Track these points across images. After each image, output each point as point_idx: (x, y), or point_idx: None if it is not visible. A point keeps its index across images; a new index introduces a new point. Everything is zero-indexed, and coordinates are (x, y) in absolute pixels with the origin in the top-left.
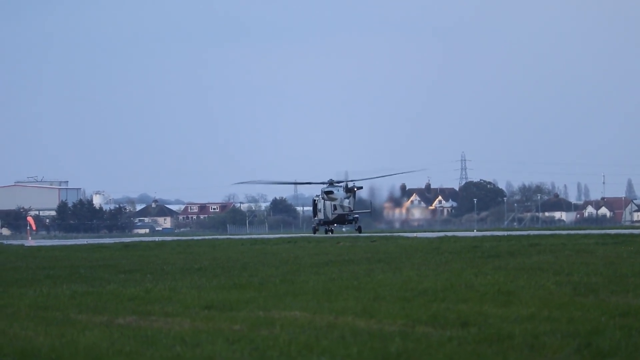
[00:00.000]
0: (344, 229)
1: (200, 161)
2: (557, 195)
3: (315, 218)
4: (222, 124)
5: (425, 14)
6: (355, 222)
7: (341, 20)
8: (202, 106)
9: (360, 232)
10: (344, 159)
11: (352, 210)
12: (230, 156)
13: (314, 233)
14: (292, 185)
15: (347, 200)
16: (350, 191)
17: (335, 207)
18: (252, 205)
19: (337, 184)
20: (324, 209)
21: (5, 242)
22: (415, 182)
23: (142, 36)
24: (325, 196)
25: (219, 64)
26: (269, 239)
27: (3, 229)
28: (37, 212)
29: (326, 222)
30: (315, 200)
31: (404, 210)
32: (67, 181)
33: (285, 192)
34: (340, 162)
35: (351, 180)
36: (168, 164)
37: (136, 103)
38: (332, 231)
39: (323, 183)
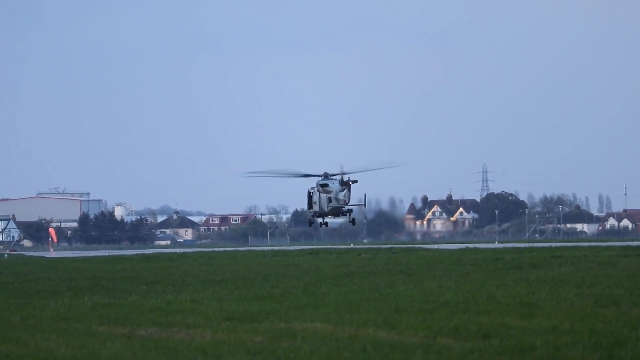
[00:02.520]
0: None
1: (222, 173)
2: (578, 207)
3: (311, 210)
4: (243, 136)
5: (450, 27)
6: (350, 215)
7: (354, 29)
8: (222, 119)
9: (354, 224)
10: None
11: (347, 203)
12: (248, 164)
13: (310, 225)
14: None
15: (342, 193)
16: (345, 184)
17: (330, 200)
18: (274, 216)
19: (332, 177)
20: (319, 202)
21: (27, 253)
22: (437, 193)
23: (169, 50)
24: (320, 189)
25: (239, 75)
26: (290, 251)
27: (25, 240)
28: (58, 224)
29: (321, 214)
30: (310, 192)
31: (425, 222)
32: (89, 193)
33: (306, 204)
34: (369, 173)
35: (346, 174)
36: (189, 175)
37: (158, 116)
38: (326, 224)
39: (319, 176)
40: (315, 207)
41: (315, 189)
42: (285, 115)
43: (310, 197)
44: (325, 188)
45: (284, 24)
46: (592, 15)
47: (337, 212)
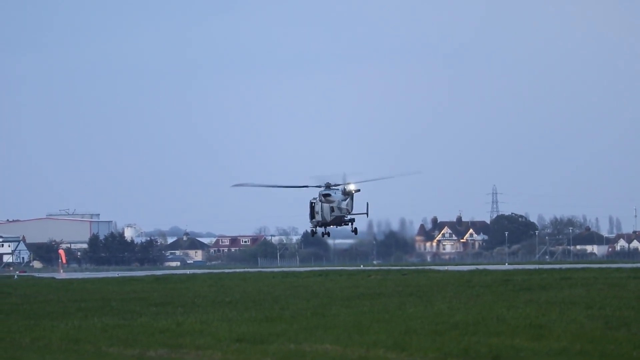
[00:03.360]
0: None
1: (232, 194)
2: (588, 229)
3: (313, 220)
4: (253, 158)
5: (460, 48)
6: (352, 224)
7: (364, 50)
8: (232, 141)
9: (356, 233)
10: (378, 192)
11: (349, 212)
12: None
13: (312, 235)
14: None
15: (344, 202)
16: (348, 193)
17: (332, 209)
18: (283, 238)
19: (334, 187)
20: (322, 211)
21: (37, 274)
22: (447, 214)
23: (175, 71)
24: (322, 198)
25: (250, 97)
26: (300, 272)
27: (35, 261)
28: (68, 245)
29: (323, 224)
30: (312, 202)
31: (435, 243)
32: (99, 214)
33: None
34: (379, 195)
35: (349, 184)
36: (199, 197)
37: (168, 138)
38: (328, 234)
39: (320, 186)
40: (318, 217)
41: (318, 199)
42: (295, 137)
43: (312, 207)
44: (328, 198)
45: (291, 42)
46: (602, 36)
47: (339, 221)
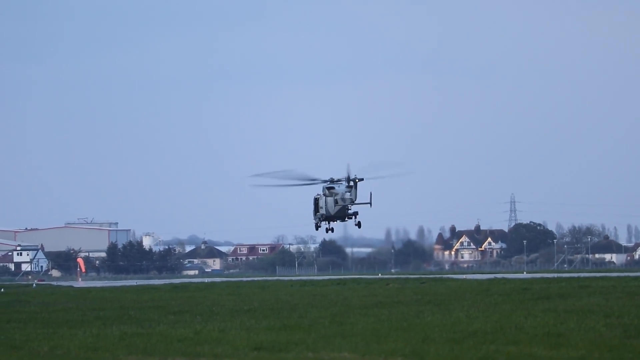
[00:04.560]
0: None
1: (250, 203)
2: (607, 237)
3: (317, 214)
4: (271, 167)
5: (483, 57)
6: (355, 217)
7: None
8: (249, 149)
9: (359, 227)
10: (397, 200)
11: (353, 202)
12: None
13: (317, 229)
14: (343, 227)
15: (348, 194)
16: (352, 181)
17: (336, 202)
18: (301, 246)
19: (337, 182)
20: (326, 205)
21: (55, 283)
22: (465, 223)
23: (195, 80)
24: (327, 192)
25: (265, 106)
26: (318, 281)
27: (53, 270)
28: (87, 254)
29: (327, 218)
30: (316, 198)
31: (453, 252)
32: (117, 222)
33: (334, 234)
34: (398, 203)
35: (354, 180)
36: (217, 205)
37: (186, 147)
38: (332, 229)
39: (325, 181)
40: (322, 211)
41: (322, 193)
42: (311, 147)
43: (316, 203)
44: (332, 190)
45: (302, 57)
46: (618, 43)
47: (343, 214)
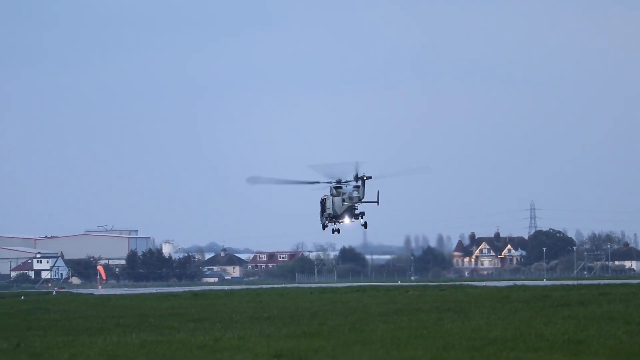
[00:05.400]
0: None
1: (269, 210)
2: (627, 244)
3: (324, 214)
4: (287, 174)
5: (499, 64)
6: (362, 217)
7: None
8: (269, 157)
9: (365, 227)
10: (416, 207)
11: (361, 200)
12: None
13: (323, 229)
14: (362, 234)
15: (355, 192)
16: (360, 179)
17: (344, 201)
18: (321, 253)
19: (345, 182)
20: (333, 205)
21: (75, 291)
22: (485, 230)
23: (208, 93)
24: (334, 192)
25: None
26: (337, 288)
27: (73, 277)
28: (106, 261)
29: (334, 217)
30: (323, 199)
31: (472, 259)
32: (137, 230)
33: (353, 241)
34: (417, 210)
35: (361, 178)
36: (237, 213)
37: (206, 155)
38: (338, 230)
39: (330, 182)
40: (329, 211)
41: (329, 194)
42: (324, 155)
43: (323, 203)
44: (339, 190)
45: (307, 59)
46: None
47: (350, 213)
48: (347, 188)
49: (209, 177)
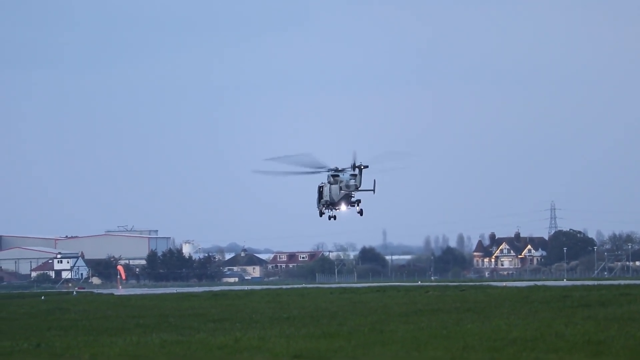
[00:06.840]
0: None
1: (289, 210)
2: None
3: (321, 201)
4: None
5: (511, 65)
6: (358, 204)
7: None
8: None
9: (361, 214)
10: (436, 208)
11: (357, 188)
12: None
13: (320, 216)
14: (382, 235)
15: (352, 180)
16: (357, 169)
17: (341, 189)
18: (341, 254)
19: (342, 170)
20: (330, 193)
21: (95, 291)
22: (505, 231)
23: (228, 96)
24: (331, 179)
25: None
26: (357, 288)
27: (93, 278)
28: (127, 261)
29: (331, 204)
30: (321, 186)
31: (493, 260)
32: (157, 230)
33: (373, 241)
34: (437, 211)
35: (359, 167)
36: (257, 213)
37: (225, 154)
38: (335, 217)
39: (330, 170)
40: (326, 198)
41: (327, 181)
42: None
43: (320, 191)
44: (336, 178)
45: (309, 70)
46: None
47: (347, 200)
48: (344, 176)
49: (229, 178)
